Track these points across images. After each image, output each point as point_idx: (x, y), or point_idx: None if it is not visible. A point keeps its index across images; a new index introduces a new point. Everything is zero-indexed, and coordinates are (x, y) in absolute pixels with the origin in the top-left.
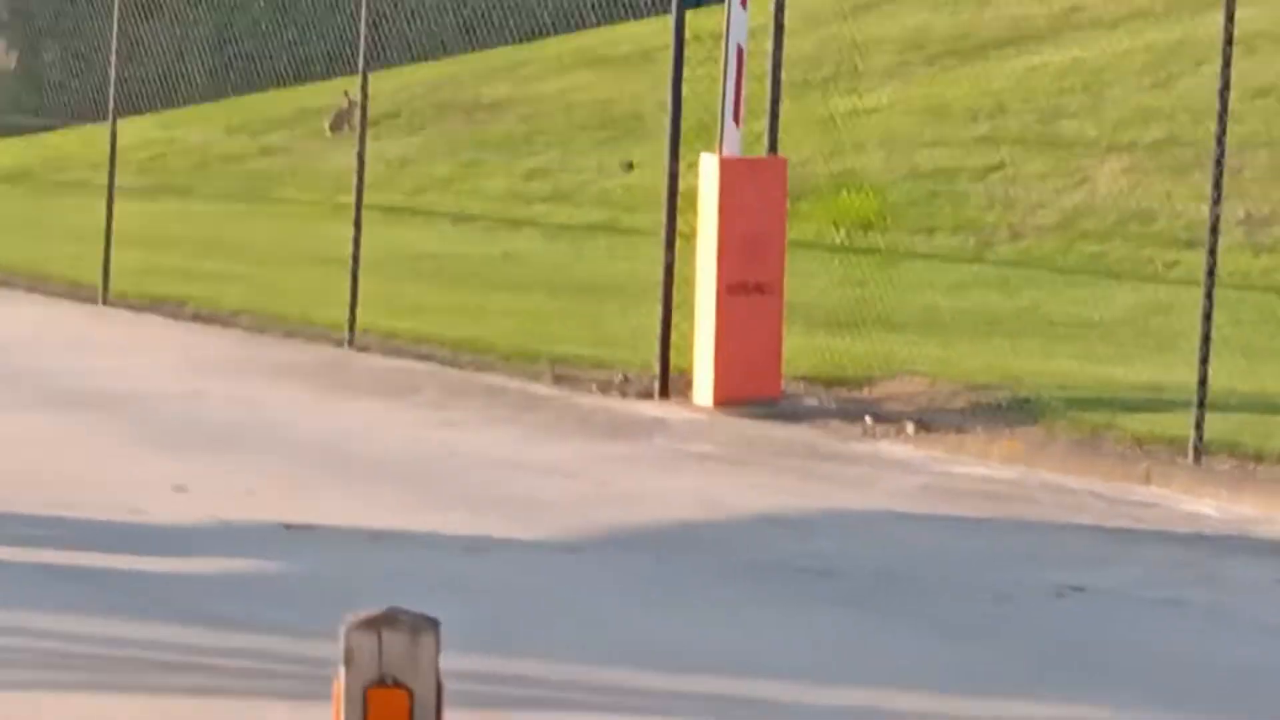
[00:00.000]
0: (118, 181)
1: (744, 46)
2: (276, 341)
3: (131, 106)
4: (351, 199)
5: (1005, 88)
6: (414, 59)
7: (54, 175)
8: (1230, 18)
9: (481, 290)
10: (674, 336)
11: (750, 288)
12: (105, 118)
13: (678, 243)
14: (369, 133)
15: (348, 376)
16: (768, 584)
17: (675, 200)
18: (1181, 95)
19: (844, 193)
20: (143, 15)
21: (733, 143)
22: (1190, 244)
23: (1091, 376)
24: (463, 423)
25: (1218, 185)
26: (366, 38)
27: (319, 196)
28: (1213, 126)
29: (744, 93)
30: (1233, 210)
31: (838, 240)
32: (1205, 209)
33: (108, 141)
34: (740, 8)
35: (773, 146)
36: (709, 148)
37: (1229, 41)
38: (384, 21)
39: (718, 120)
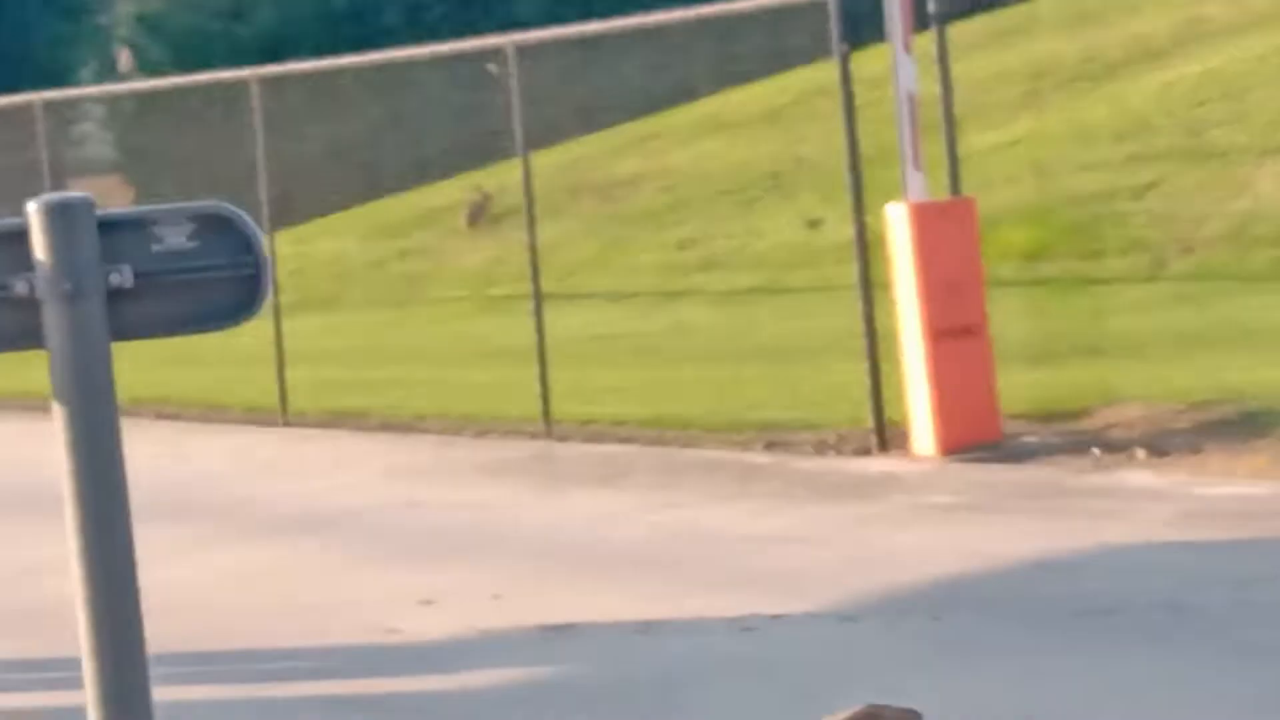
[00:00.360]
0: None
1: (914, 92)
2: (472, 442)
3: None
4: (501, 290)
5: (1144, 104)
6: (534, 147)
7: None
8: None
9: (663, 365)
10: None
11: (957, 331)
12: None
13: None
14: (507, 223)
15: (557, 468)
16: (1053, 631)
17: (866, 251)
18: None
19: (1002, 226)
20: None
21: (918, 188)
22: None
23: None
24: (690, 502)
25: None
26: (523, 118)
27: (467, 291)
28: None
29: (920, 138)
30: None
31: (1007, 275)
32: None
33: None
34: (905, 53)
35: (955, 187)
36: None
37: None
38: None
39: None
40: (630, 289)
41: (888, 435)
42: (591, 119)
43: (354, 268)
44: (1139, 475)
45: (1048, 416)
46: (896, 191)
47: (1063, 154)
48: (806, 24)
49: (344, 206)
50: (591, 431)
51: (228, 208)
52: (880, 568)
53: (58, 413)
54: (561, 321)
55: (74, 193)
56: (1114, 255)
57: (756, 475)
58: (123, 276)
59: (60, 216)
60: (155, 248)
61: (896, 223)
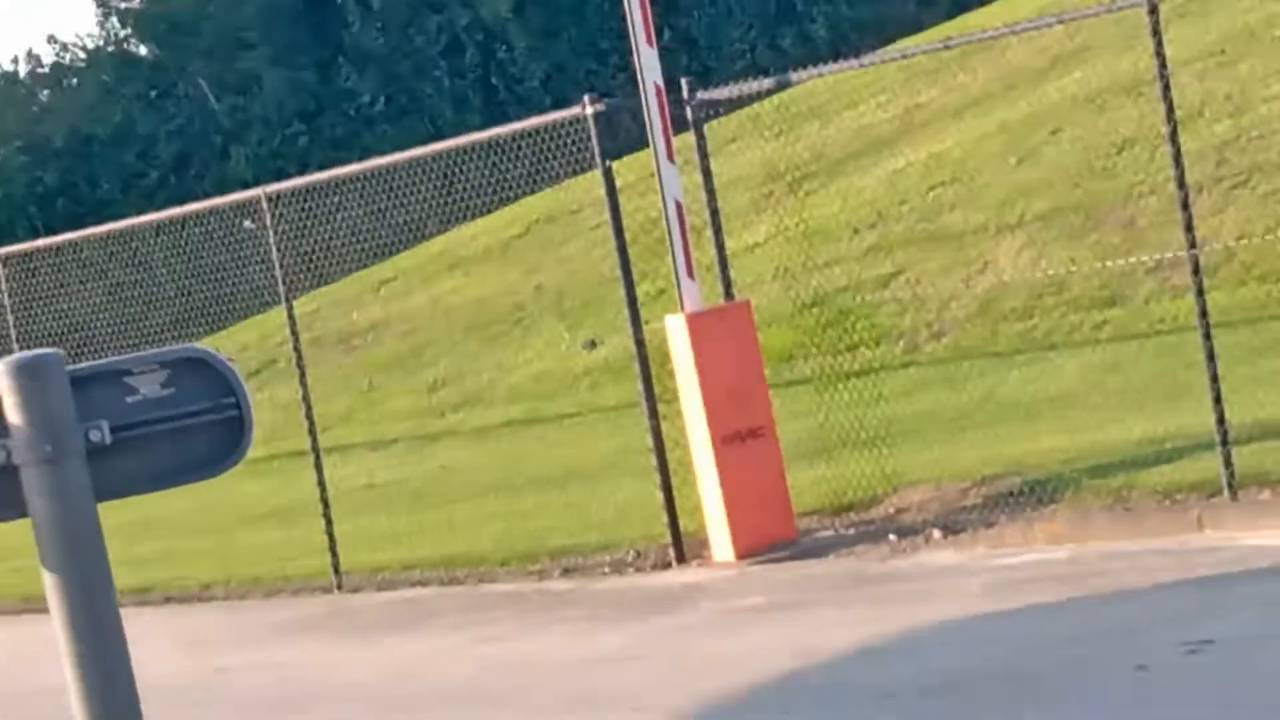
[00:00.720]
0: None
1: (681, 201)
2: (262, 604)
3: None
4: (254, 453)
5: (876, 196)
6: (265, 306)
7: None
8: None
9: (437, 506)
10: (657, 499)
11: (745, 434)
12: None
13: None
14: (251, 382)
15: (359, 619)
16: (908, 713)
17: (648, 366)
18: (1051, 163)
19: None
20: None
21: (693, 298)
22: (1111, 302)
23: (1086, 444)
24: (503, 635)
25: (1189, 228)
26: (285, 279)
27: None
28: (1092, 185)
29: (690, 246)
30: (1141, 261)
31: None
32: (1112, 265)
33: None
34: (669, 162)
35: (728, 292)
36: (606, 318)
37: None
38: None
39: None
40: (388, 436)
41: (684, 546)
42: (318, 273)
43: None
44: (939, 555)
45: (838, 509)
46: (645, 310)
47: (804, 253)
48: (525, 150)
49: None
50: (383, 580)
51: (202, 349)
52: (711, 674)
53: (48, 579)
54: (327, 475)
55: (42, 350)
56: (868, 347)
57: (561, 601)
58: (102, 433)
59: (32, 376)
60: (130, 399)
61: (676, 333)
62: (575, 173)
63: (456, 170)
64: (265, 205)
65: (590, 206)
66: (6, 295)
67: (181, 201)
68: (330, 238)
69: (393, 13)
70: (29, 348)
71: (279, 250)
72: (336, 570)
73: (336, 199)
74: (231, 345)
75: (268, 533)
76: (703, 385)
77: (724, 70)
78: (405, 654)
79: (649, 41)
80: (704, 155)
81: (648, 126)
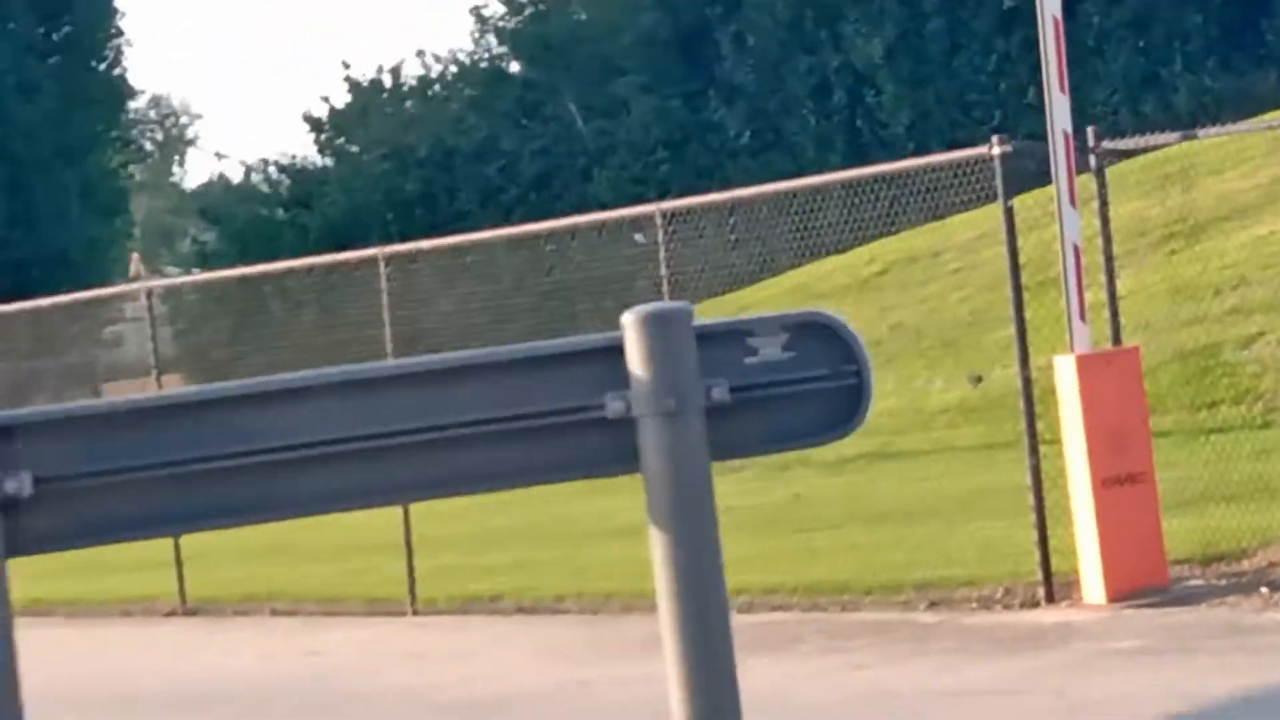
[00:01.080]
0: None
1: (1079, 245)
2: (617, 620)
3: None
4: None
5: (1239, 259)
6: None
7: None
8: None
9: (793, 534)
10: (1023, 537)
11: (1124, 479)
12: None
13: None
14: None
15: None
16: None
17: (1033, 405)
18: None
19: None
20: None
21: (1083, 340)
22: None
23: None
24: (870, 663)
25: None
26: (671, 295)
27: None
28: None
29: (1085, 289)
30: None
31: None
32: None
33: None
34: (1071, 207)
35: (1116, 337)
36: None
37: None
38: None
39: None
40: (736, 463)
41: (1054, 586)
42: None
43: None
44: None
45: (1207, 560)
46: (1006, 354)
47: (1166, 309)
48: (886, 191)
49: None
50: (743, 602)
51: (827, 314)
52: (1093, 712)
53: (655, 536)
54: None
55: (671, 302)
56: (1227, 405)
57: (929, 633)
58: (723, 391)
59: (662, 327)
60: (749, 360)
61: (1064, 373)
62: (931, 217)
63: (815, 207)
64: (659, 220)
65: (950, 251)
66: (386, 294)
67: (542, 218)
68: (686, 263)
69: (765, 51)
70: (402, 346)
71: (668, 266)
72: None
73: (697, 225)
74: None
75: (618, 548)
76: (1087, 426)
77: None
78: (770, 677)
79: (1061, 89)
80: (1104, 203)
81: (1053, 171)
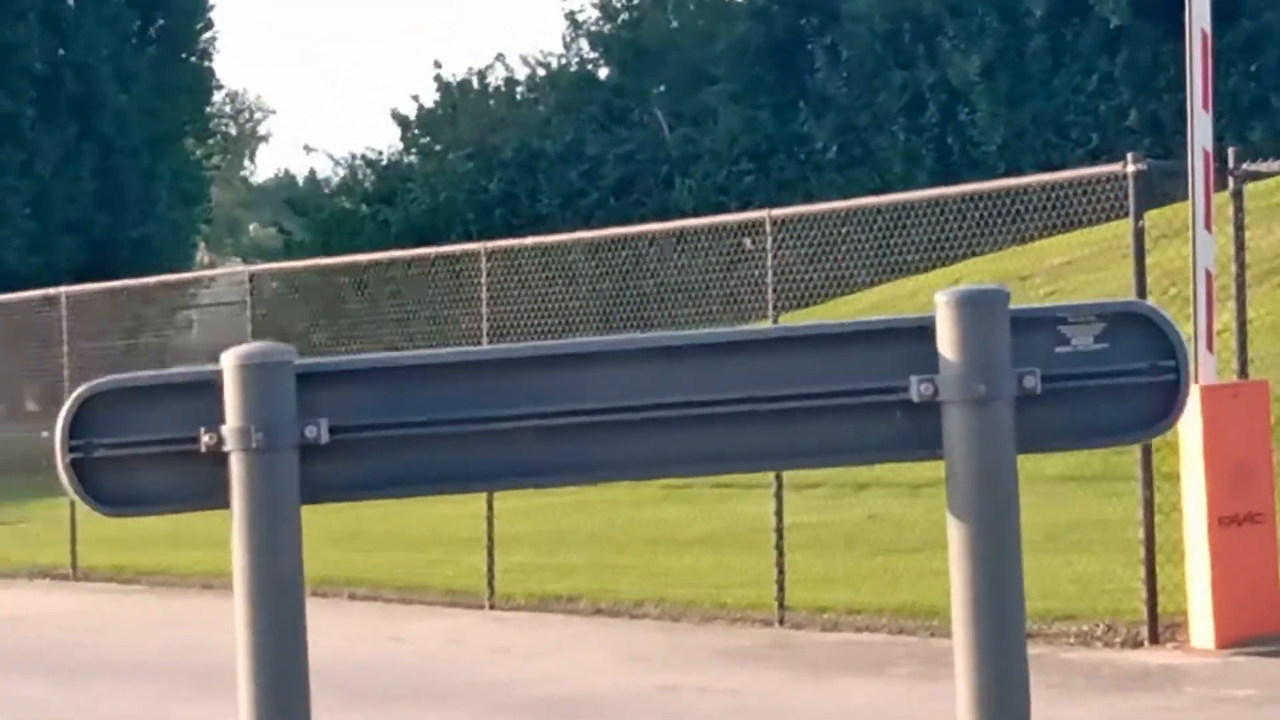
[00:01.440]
0: None
1: (1212, 271)
2: (698, 628)
3: None
4: (677, 479)
5: None
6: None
7: None
8: None
9: (871, 555)
10: (1122, 574)
11: (1243, 518)
12: None
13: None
14: None
15: (806, 655)
16: None
17: None
18: None
19: None
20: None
21: (1208, 371)
22: None
23: None
24: None
25: None
26: (776, 303)
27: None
28: None
29: (1214, 319)
30: None
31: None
32: None
33: None
34: (1206, 231)
35: (1243, 370)
36: None
37: None
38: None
39: None
40: (810, 479)
41: (1159, 626)
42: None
43: None
44: None
45: None
46: None
47: (1271, 344)
48: (973, 212)
49: None
50: (827, 620)
51: (1147, 305)
52: None
53: (954, 526)
54: (741, 509)
55: (988, 285)
56: None
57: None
58: (1035, 380)
59: (977, 311)
60: (1060, 349)
61: (1188, 405)
62: (1016, 240)
63: (898, 225)
64: (769, 228)
65: (1039, 275)
66: (486, 289)
67: (621, 223)
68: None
69: (859, 64)
70: (499, 335)
71: (774, 273)
72: (781, 605)
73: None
74: None
75: (698, 558)
76: (1207, 462)
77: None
78: (862, 696)
79: (1205, 106)
80: (1240, 228)
81: (1190, 191)
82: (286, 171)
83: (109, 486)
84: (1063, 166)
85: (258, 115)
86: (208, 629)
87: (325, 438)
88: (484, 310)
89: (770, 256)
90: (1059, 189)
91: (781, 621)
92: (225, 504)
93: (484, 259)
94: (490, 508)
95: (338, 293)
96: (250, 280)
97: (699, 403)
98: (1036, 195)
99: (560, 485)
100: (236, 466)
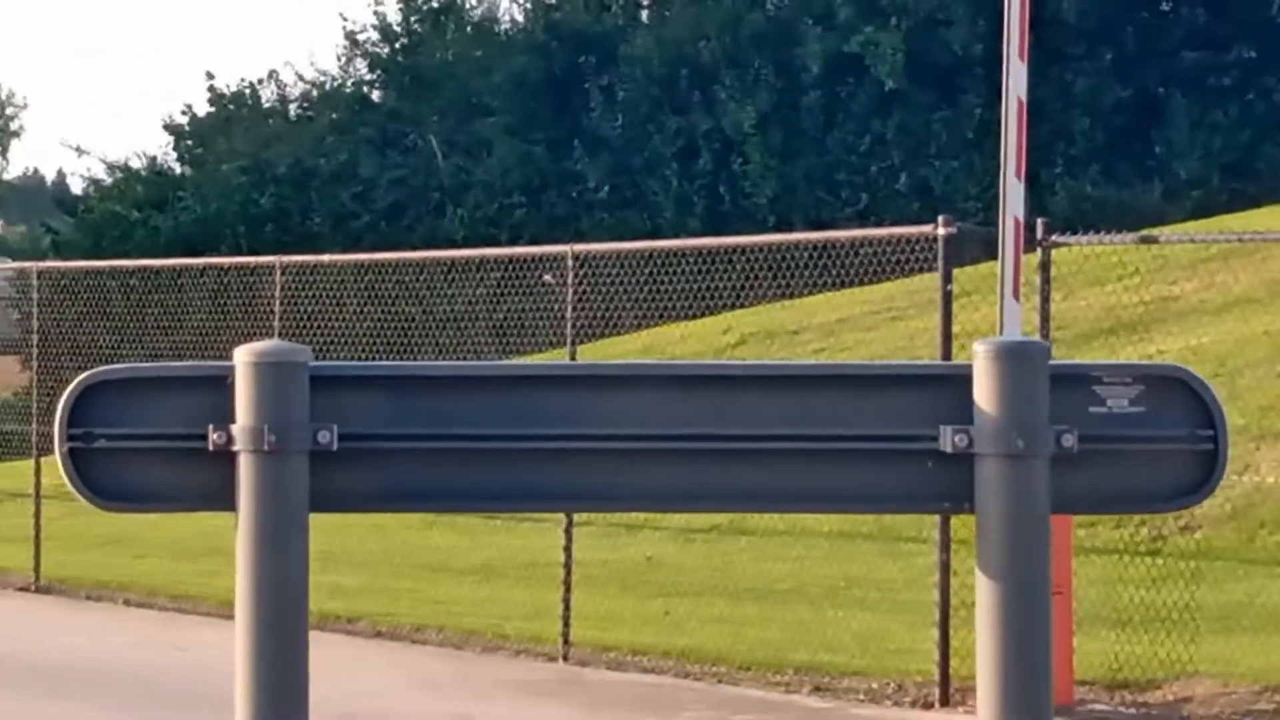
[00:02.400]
0: None
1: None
2: (481, 658)
3: None
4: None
5: None
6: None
7: None
8: None
9: (650, 597)
10: (904, 634)
11: None
12: None
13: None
14: None
15: (597, 694)
16: None
17: None
18: None
19: None
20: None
21: None
22: None
23: None
24: None
25: None
26: (574, 338)
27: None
28: None
29: None
30: None
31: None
32: None
33: None
34: (1014, 300)
35: None
36: None
37: None
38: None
39: None
40: (581, 517)
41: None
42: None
43: None
44: None
45: (1114, 685)
46: None
47: None
48: (740, 262)
49: None
50: (611, 659)
51: (1187, 370)
52: None
53: (984, 585)
54: (513, 542)
55: (1027, 338)
56: (1109, 526)
57: (820, 719)
58: (1072, 439)
59: (1018, 364)
60: (1095, 409)
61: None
62: (783, 295)
63: (666, 270)
64: (570, 263)
65: (810, 330)
66: (279, 302)
67: (390, 248)
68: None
69: (634, 106)
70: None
71: (573, 308)
72: (566, 640)
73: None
74: None
75: (476, 587)
76: None
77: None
78: None
79: (1019, 175)
80: (1046, 299)
81: (1000, 258)
82: (36, 170)
83: (108, 480)
84: (832, 224)
85: (9, 110)
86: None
87: (335, 444)
88: (276, 325)
89: (571, 291)
90: (830, 248)
91: (566, 658)
92: (231, 506)
93: (278, 272)
94: None
95: (105, 296)
96: (38, 277)
97: (719, 436)
98: (803, 254)
99: (572, 511)
100: (246, 468)
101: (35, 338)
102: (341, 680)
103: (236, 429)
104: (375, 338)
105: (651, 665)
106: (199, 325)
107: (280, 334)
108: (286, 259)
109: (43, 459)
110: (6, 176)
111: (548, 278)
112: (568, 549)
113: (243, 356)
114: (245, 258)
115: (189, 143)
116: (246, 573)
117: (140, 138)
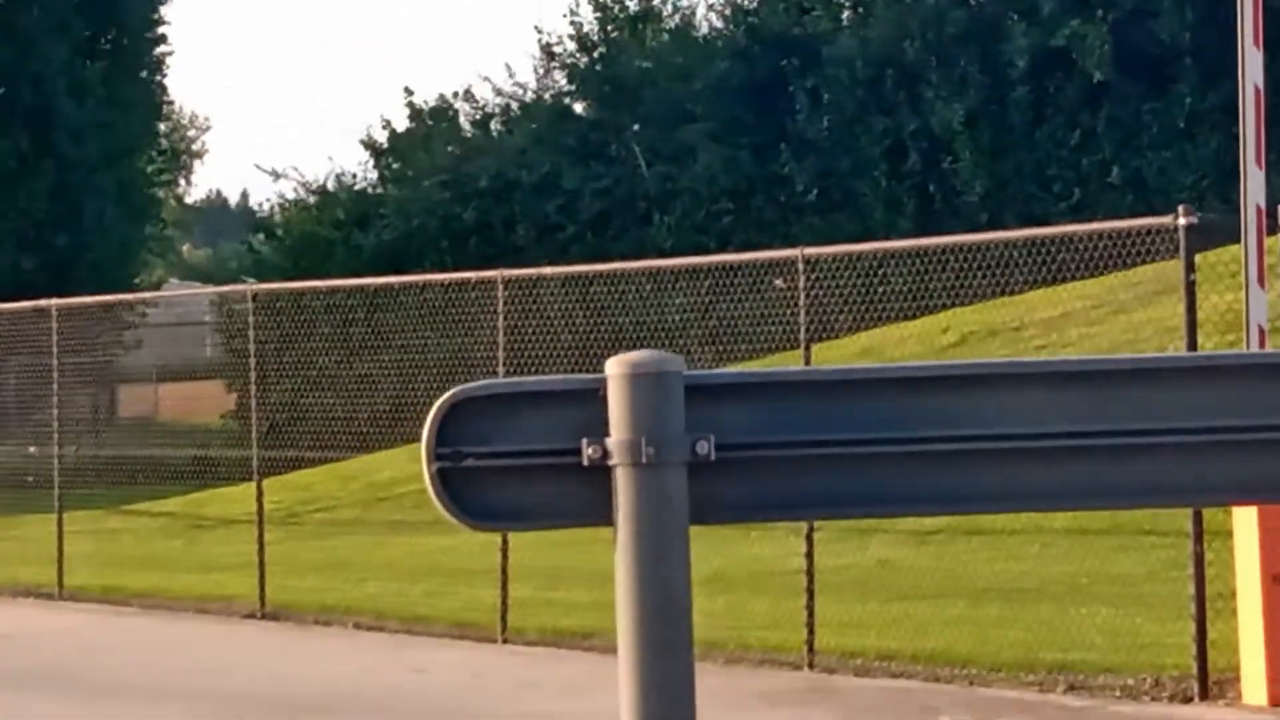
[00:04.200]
0: (398, 515)
1: (1265, 327)
2: (726, 670)
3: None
4: None
5: None
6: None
7: (314, 513)
8: None
9: (886, 601)
10: (1153, 629)
11: None
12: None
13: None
14: None
15: (846, 701)
16: None
17: None
18: None
19: None
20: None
21: None
22: None
23: None
24: None
25: None
26: (808, 339)
27: None
28: None
29: None
30: None
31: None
32: None
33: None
34: (1260, 287)
35: None
36: None
37: None
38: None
39: None
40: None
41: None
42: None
43: None
44: None
45: None
46: None
47: None
48: (954, 261)
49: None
50: (858, 665)
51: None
52: None
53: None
54: (746, 551)
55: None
56: None
57: (1080, 718)
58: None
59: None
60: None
61: None
62: (1001, 293)
63: (881, 270)
64: (801, 266)
65: (1032, 326)
66: (502, 317)
67: (597, 259)
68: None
69: (840, 108)
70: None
71: (806, 312)
72: (811, 648)
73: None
74: None
75: (708, 599)
76: (1261, 519)
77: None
78: None
79: (1259, 163)
80: None
81: (1243, 246)
82: (219, 192)
83: (479, 498)
84: (1045, 219)
85: (191, 132)
86: (211, 653)
87: (713, 454)
88: (500, 339)
89: (803, 295)
90: (1042, 244)
91: (811, 665)
92: (608, 520)
93: (500, 286)
94: (505, 538)
95: (310, 316)
96: (253, 299)
97: (1125, 431)
98: (1018, 250)
99: (961, 513)
100: (623, 482)
101: (253, 361)
102: (591, 697)
103: (612, 443)
104: (587, 350)
105: (900, 670)
106: (407, 343)
107: (505, 349)
108: (509, 273)
109: (264, 482)
110: (190, 200)
111: (779, 282)
112: (809, 555)
113: (615, 368)
114: (467, 273)
115: (389, 159)
116: (627, 589)
117: (325, 158)
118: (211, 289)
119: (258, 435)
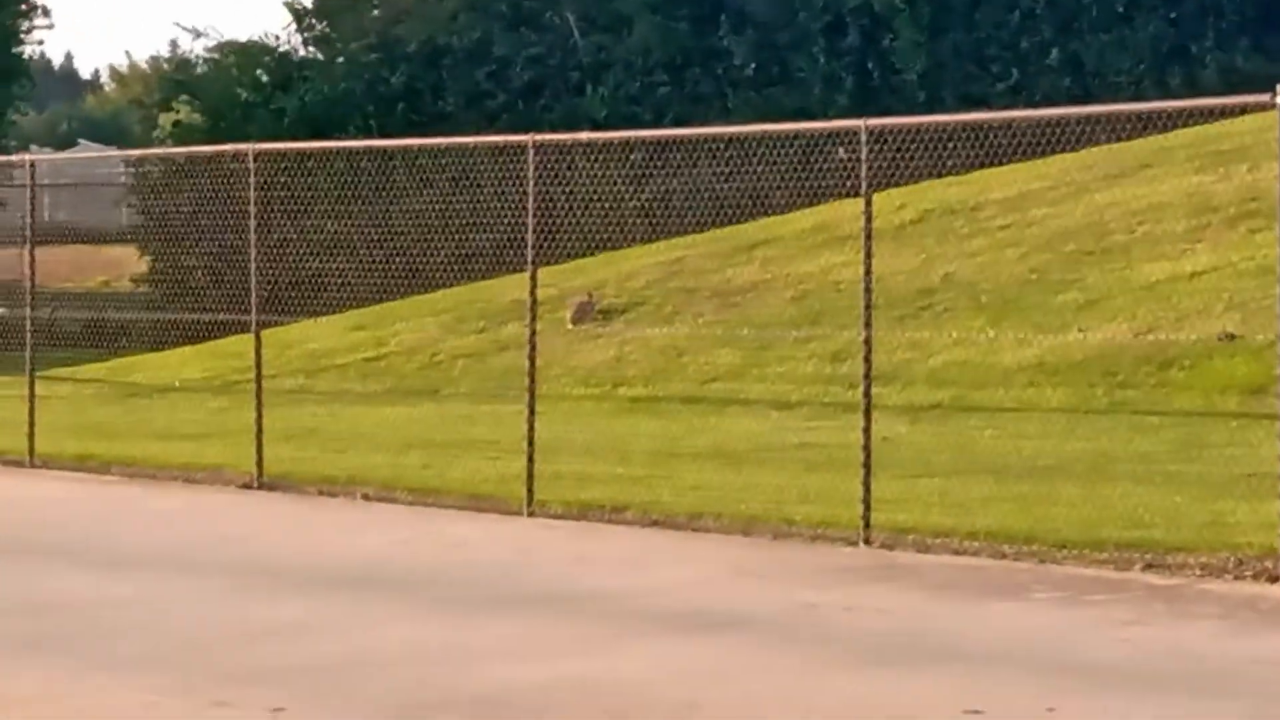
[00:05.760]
0: (344, 385)
1: None
2: (778, 544)
3: (286, 309)
4: (634, 391)
5: None
6: (590, 251)
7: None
8: None
9: (914, 478)
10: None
11: None
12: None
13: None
14: (618, 319)
15: (924, 578)
16: None
17: None
18: None
19: (1216, 359)
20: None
21: None
22: None
23: None
24: (1142, 620)
25: None
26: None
27: (593, 390)
28: None
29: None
30: None
31: (1230, 408)
32: None
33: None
34: None
35: None
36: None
37: None
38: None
39: None
40: (792, 398)
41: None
42: (667, 223)
43: (448, 357)
44: None
45: None
46: (1078, 317)
47: (1259, 288)
48: (893, 140)
49: (390, 297)
50: (915, 541)
51: None
52: None
53: None
54: (737, 427)
55: None
56: None
57: (1175, 596)
58: None
59: None
60: None
61: None
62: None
63: (820, 147)
64: (864, 138)
65: (990, 206)
66: (533, 183)
67: (525, 129)
68: (671, 194)
69: None
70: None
71: (867, 183)
72: (867, 524)
73: (683, 155)
74: (586, 279)
75: (719, 473)
76: None
77: (1105, 97)
78: (1027, 623)
79: None
80: None
81: None
82: (42, 54)
83: None
84: (983, 100)
85: None
86: (226, 523)
87: None
88: (530, 205)
89: (865, 166)
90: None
91: (868, 541)
92: None
93: (531, 151)
94: (532, 411)
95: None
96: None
97: None
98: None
99: None
100: None
101: (253, 223)
102: (660, 571)
103: None
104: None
105: (961, 547)
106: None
107: (534, 215)
108: (540, 138)
109: (189, 350)
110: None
111: (842, 152)
112: (867, 430)
113: None
114: (496, 136)
115: (313, 20)
116: None
117: (247, 18)
118: (210, 148)
119: (257, 301)
